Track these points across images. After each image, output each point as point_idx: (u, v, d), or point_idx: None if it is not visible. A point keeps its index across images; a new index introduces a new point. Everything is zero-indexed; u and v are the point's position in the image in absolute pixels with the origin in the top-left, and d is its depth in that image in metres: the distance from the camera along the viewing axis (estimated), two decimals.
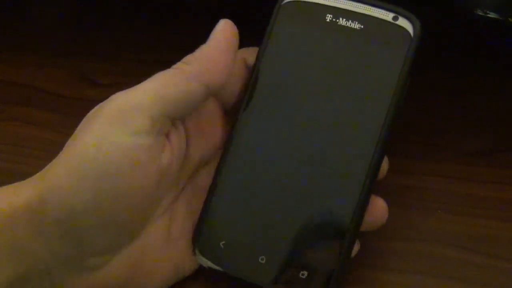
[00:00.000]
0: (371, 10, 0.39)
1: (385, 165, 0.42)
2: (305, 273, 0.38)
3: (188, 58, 0.40)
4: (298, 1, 0.40)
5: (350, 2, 0.39)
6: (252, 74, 0.42)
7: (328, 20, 0.39)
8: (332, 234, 0.39)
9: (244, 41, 0.43)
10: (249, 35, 0.44)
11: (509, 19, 0.49)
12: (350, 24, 0.39)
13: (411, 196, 0.51)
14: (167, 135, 0.40)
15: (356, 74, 0.39)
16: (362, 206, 0.39)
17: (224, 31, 0.40)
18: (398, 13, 0.39)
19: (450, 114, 0.58)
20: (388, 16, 0.39)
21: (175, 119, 0.40)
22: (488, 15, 0.48)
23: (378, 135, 0.39)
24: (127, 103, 0.37)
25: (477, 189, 0.52)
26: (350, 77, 0.40)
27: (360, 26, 0.39)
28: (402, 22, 0.38)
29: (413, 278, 0.45)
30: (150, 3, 0.76)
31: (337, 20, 0.39)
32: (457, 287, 0.45)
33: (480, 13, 0.48)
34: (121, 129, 0.36)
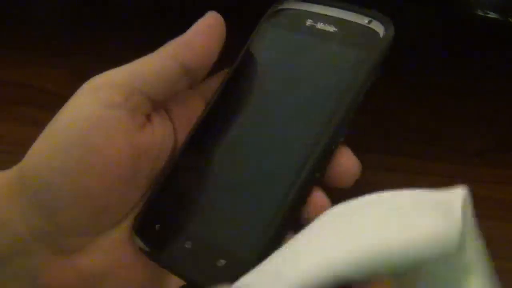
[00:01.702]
0: (350, 15, 0.41)
1: (350, 164, 0.41)
2: (223, 261, 0.37)
3: (168, 42, 0.41)
4: (285, 8, 0.43)
5: (332, 8, 0.41)
6: (229, 71, 0.45)
7: (307, 24, 0.41)
8: (257, 221, 0.39)
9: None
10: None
11: (509, 19, 0.49)
12: (327, 28, 0.41)
13: None
14: (148, 117, 0.40)
15: (321, 72, 0.41)
16: (296, 198, 0.39)
17: (206, 18, 0.42)
18: (373, 17, 0.40)
19: (450, 114, 0.58)
20: (363, 20, 0.40)
21: (154, 100, 0.40)
22: (488, 15, 0.48)
23: (328, 128, 0.40)
24: (102, 79, 0.38)
25: (477, 189, 0.52)
26: (316, 75, 0.41)
27: (335, 29, 0.41)
28: (375, 24, 0.40)
29: None
30: (150, 3, 0.76)
31: (316, 24, 0.41)
32: None
33: (480, 13, 0.48)
34: (93, 102, 0.37)
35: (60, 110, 0.38)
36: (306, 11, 0.42)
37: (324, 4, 0.42)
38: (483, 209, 0.52)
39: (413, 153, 0.56)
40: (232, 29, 0.43)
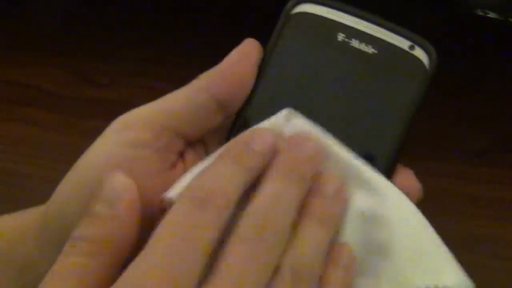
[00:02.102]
0: (387, 35, 0.37)
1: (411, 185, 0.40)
2: None
3: (201, 74, 0.38)
4: (310, 13, 0.38)
5: (366, 23, 0.37)
6: (257, 81, 0.39)
7: (340, 39, 0.37)
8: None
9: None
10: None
11: (509, 19, 0.49)
12: (363, 47, 0.37)
13: None
14: (181, 154, 0.38)
15: (365, 100, 0.37)
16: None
17: (242, 46, 0.38)
18: (415, 42, 0.36)
19: (451, 114, 0.58)
20: (404, 44, 0.37)
21: (187, 136, 0.38)
22: (488, 15, 0.48)
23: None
24: (130, 117, 0.36)
25: (477, 189, 0.52)
26: (357, 102, 0.37)
27: (373, 50, 0.37)
28: (418, 52, 0.36)
29: None
30: (150, 3, 0.76)
31: (350, 41, 0.37)
32: None
33: (480, 13, 0.48)
34: (119, 141, 0.35)
35: (86, 150, 0.36)
36: (335, 22, 0.37)
37: (354, 15, 0.37)
38: (483, 209, 0.52)
39: (413, 153, 0.56)
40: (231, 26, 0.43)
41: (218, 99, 0.37)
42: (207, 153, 0.38)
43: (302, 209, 0.31)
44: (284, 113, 0.34)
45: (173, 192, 0.32)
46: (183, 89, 0.37)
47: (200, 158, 0.37)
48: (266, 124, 0.34)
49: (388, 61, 0.37)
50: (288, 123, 0.34)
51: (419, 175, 0.54)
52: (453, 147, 0.56)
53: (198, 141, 0.38)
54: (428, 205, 0.51)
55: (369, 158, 0.36)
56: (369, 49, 0.37)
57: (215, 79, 0.37)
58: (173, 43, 0.66)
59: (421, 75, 0.37)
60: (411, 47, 0.36)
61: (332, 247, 0.31)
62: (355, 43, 0.37)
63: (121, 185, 0.32)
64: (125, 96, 0.64)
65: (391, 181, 0.37)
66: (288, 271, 0.29)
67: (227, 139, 0.37)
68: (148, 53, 0.67)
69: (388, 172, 0.37)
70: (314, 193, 0.32)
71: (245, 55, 0.38)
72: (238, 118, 0.38)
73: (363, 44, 0.37)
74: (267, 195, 0.30)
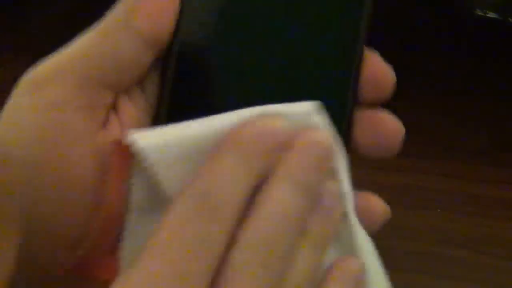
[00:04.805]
0: None
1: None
2: None
3: (112, 7, 0.31)
4: None
5: None
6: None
7: None
8: None
9: None
10: None
11: (509, 19, 0.49)
12: None
13: (411, 196, 0.51)
14: (114, 108, 0.31)
15: (301, 41, 0.33)
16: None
17: None
18: None
19: (451, 114, 0.58)
20: None
21: (115, 86, 0.31)
22: (488, 15, 0.48)
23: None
24: (42, 71, 0.30)
25: (477, 189, 0.52)
26: (294, 44, 0.33)
27: None
28: None
29: (413, 277, 0.45)
30: None
31: None
32: (458, 286, 0.45)
33: (480, 13, 0.48)
34: (35, 104, 0.29)
35: None
36: None
37: None
38: (483, 209, 0.52)
39: (413, 153, 0.56)
40: None
41: (142, 36, 0.30)
42: (146, 99, 0.32)
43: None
44: (309, 106, 0.30)
45: (144, 142, 0.28)
46: (97, 28, 0.30)
47: (139, 108, 0.31)
48: (285, 110, 0.31)
49: None
50: (310, 117, 0.30)
51: (419, 174, 0.54)
52: (453, 147, 0.56)
53: (132, 88, 0.32)
54: (428, 205, 0.51)
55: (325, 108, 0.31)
56: None
57: (133, 11, 0.30)
58: None
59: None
60: None
61: (334, 265, 0.27)
62: None
63: None
64: None
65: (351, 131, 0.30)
66: None
67: (163, 80, 0.32)
68: None
69: (349, 119, 0.31)
70: (318, 207, 0.28)
71: None
72: (169, 57, 0.32)
73: None
74: (274, 209, 0.27)
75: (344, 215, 0.29)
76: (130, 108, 0.31)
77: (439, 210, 0.51)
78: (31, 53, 0.72)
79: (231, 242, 0.26)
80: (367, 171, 0.43)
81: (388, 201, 0.46)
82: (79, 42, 0.30)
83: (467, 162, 0.54)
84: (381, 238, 0.49)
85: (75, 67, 0.30)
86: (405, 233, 0.49)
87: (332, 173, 0.29)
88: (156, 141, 0.28)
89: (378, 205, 0.34)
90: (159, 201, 0.28)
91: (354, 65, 0.31)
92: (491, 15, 0.48)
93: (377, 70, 0.30)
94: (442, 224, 0.52)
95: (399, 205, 0.50)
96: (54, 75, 0.30)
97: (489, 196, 0.52)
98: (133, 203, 0.29)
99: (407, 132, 0.62)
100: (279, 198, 0.27)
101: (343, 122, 0.30)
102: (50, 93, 0.29)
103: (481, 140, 0.56)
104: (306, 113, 0.30)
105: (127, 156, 0.28)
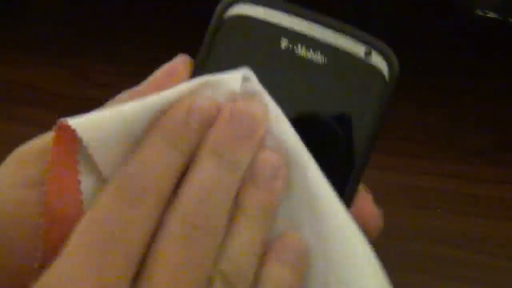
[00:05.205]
0: (339, 39, 0.30)
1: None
2: None
3: (120, 94, 0.33)
4: (247, 16, 0.30)
5: (314, 25, 0.30)
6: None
7: (283, 46, 0.30)
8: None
9: None
10: None
11: (509, 19, 0.49)
12: (311, 56, 0.30)
13: (411, 196, 0.51)
14: None
15: (315, 122, 0.30)
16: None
17: (171, 62, 0.32)
18: (372, 47, 0.30)
19: (451, 114, 0.58)
20: (359, 50, 0.30)
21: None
22: (488, 15, 0.48)
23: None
24: (28, 149, 0.31)
25: (477, 189, 0.52)
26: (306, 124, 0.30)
27: (323, 59, 0.30)
28: (376, 60, 0.30)
29: (413, 277, 0.45)
30: (150, 3, 0.76)
31: (295, 48, 0.30)
32: (458, 286, 0.45)
33: (480, 13, 0.48)
34: (10, 180, 0.30)
35: None
36: (277, 25, 0.30)
37: (299, 16, 0.30)
38: (483, 209, 0.52)
39: (414, 153, 0.56)
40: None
41: None
42: None
43: (237, 198, 0.26)
44: (241, 72, 0.28)
45: (76, 123, 0.27)
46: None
47: None
48: (217, 79, 0.28)
49: (341, 72, 0.30)
50: (243, 83, 0.28)
51: (419, 174, 0.54)
52: (453, 147, 0.56)
53: None
54: (428, 205, 0.51)
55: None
56: (318, 58, 0.30)
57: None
58: (173, 43, 0.66)
59: (379, 88, 0.30)
60: (367, 54, 0.30)
61: (275, 239, 0.27)
62: (301, 50, 0.30)
63: None
64: None
65: (348, 208, 0.30)
66: (221, 283, 0.25)
67: None
68: (148, 53, 0.67)
69: (350, 201, 0.31)
70: (251, 179, 0.27)
71: (171, 73, 0.31)
72: None
73: (311, 51, 0.30)
74: (197, 187, 0.26)
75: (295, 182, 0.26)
76: None
77: (439, 210, 0.51)
78: (31, 52, 0.71)
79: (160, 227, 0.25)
80: (366, 171, 0.43)
81: (388, 201, 0.47)
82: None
83: (467, 162, 0.54)
84: (381, 238, 0.49)
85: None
86: (404, 233, 0.49)
87: (268, 141, 0.26)
88: (90, 123, 0.27)
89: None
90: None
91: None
92: (491, 15, 0.48)
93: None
94: (441, 224, 0.52)
95: (399, 205, 0.50)
96: (35, 154, 0.30)
97: (489, 196, 0.52)
98: (83, 192, 0.27)
99: (407, 132, 0.63)
100: (202, 175, 0.25)
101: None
102: (29, 171, 0.30)
103: (481, 140, 0.56)
104: (238, 80, 0.28)
105: (66, 142, 0.27)
